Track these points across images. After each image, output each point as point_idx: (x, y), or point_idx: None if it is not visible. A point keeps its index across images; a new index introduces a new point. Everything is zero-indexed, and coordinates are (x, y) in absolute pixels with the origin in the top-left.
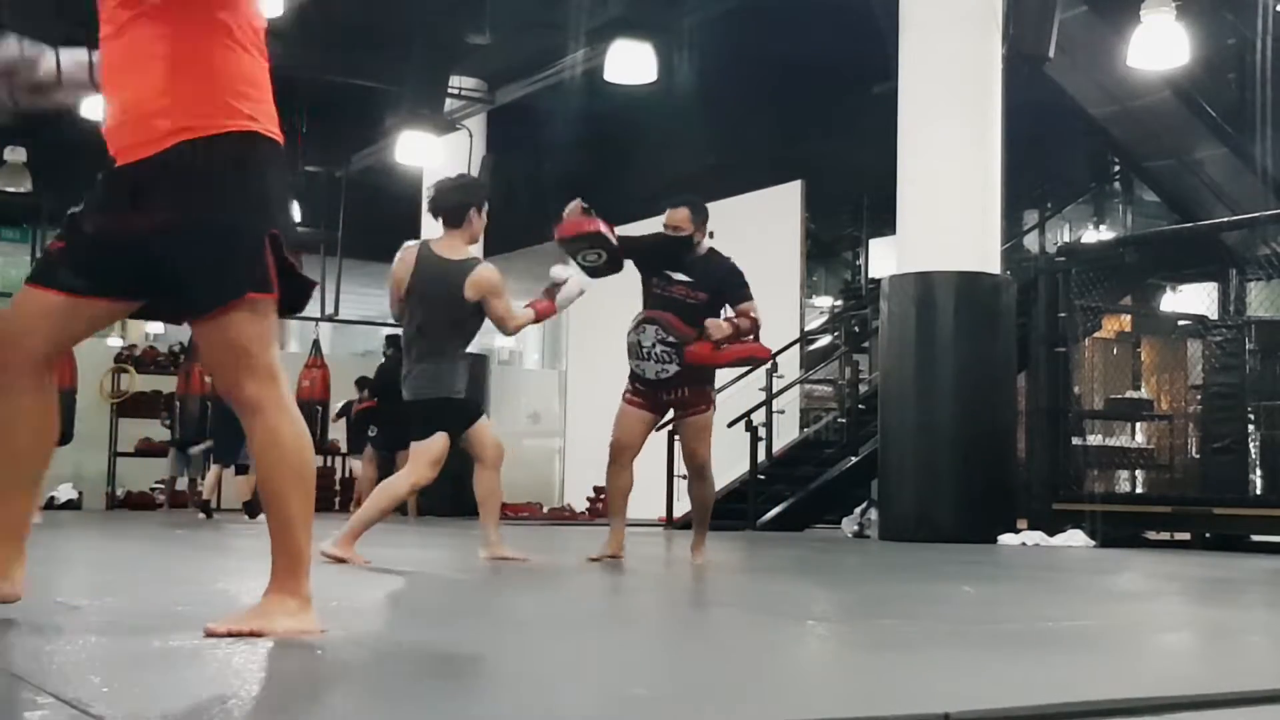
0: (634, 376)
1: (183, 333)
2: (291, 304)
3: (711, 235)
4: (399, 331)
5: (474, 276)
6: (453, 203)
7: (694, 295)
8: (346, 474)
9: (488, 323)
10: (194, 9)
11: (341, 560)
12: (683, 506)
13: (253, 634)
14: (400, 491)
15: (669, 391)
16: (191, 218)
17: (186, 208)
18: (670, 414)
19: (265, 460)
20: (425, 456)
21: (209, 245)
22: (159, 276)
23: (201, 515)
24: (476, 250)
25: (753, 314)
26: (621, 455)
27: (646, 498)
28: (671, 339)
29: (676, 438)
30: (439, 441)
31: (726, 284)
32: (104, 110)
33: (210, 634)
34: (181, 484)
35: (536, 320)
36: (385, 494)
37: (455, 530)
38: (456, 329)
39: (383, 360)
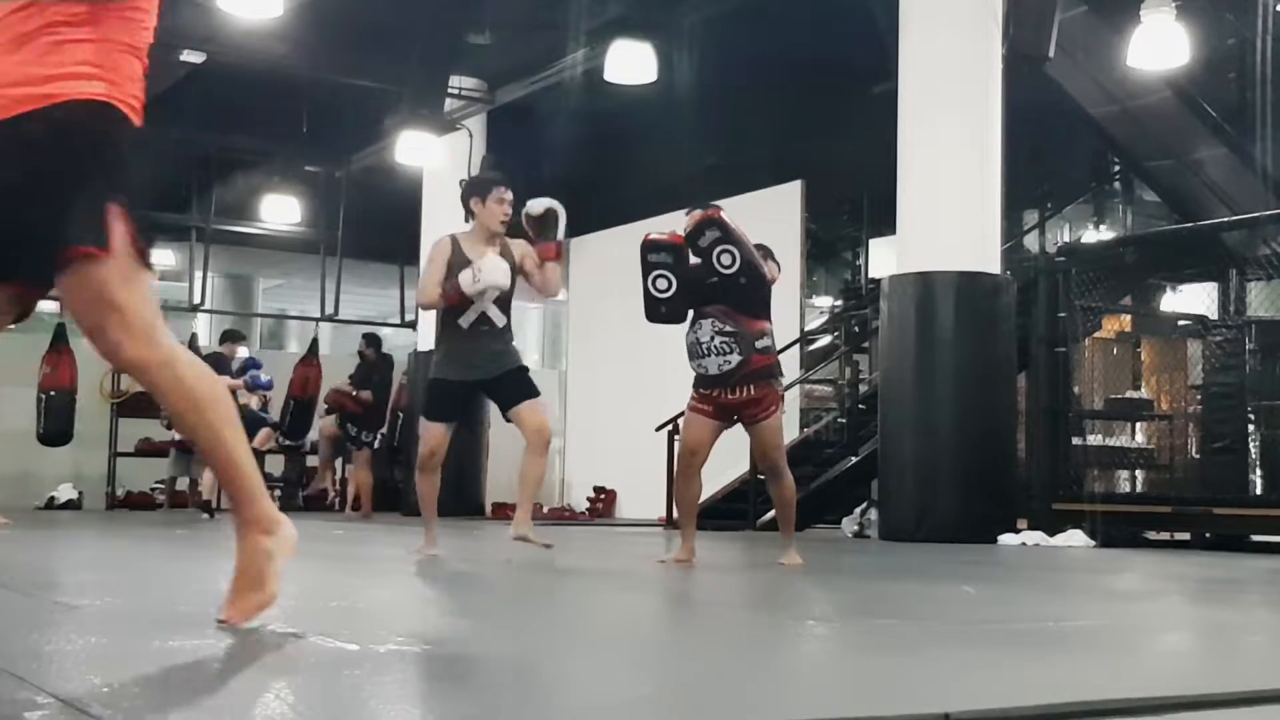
0: (697, 381)
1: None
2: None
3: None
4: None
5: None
6: (462, 201)
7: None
8: (345, 474)
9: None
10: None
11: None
12: None
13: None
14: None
15: (733, 390)
16: (27, 174)
17: (23, 166)
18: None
19: (181, 408)
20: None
21: (47, 199)
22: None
23: (205, 515)
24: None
25: (772, 271)
26: (689, 463)
27: (647, 497)
28: (729, 327)
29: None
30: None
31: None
32: None
33: (226, 622)
34: (182, 484)
35: (446, 299)
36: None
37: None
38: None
39: (361, 359)
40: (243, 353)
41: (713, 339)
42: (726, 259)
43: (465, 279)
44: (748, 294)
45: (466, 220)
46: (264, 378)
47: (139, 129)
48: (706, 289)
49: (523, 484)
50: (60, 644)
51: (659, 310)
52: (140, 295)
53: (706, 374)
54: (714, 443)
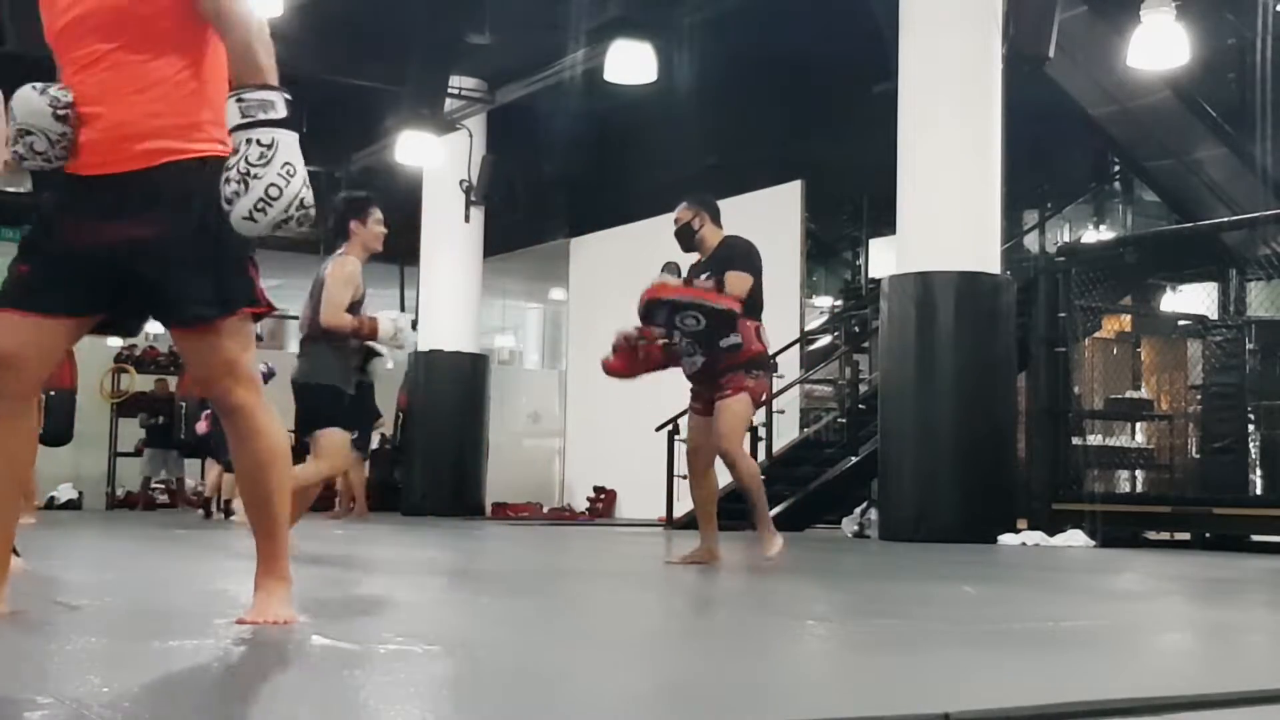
0: (690, 381)
1: None
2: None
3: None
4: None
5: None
6: (337, 219)
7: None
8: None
9: (489, 322)
10: (170, 36)
11: None
12: (683, 507)
13: (277, 623)
14: None
15: (704, 383)
16: (186, 234)
17: (182, 224)
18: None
19: (255, 461)
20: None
21: (203, 260)
22: (134, 288)
23: (200, 514)
24: (475, 248)
25: (736, 286)
26: (691, 463)
27: (647, 498)
28: (692, 325)
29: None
30: None
31: (731, 260)
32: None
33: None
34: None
35: (354, 330)
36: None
37: (455, 530)
38: None
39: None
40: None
41: (684, 340)
42: (691, 321)
43: (385, 330)
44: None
45: (339, 236)
46: (263, 367)
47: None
48: None
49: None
50: (60, 644)
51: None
52: (249, 344)
53: (686, 373)
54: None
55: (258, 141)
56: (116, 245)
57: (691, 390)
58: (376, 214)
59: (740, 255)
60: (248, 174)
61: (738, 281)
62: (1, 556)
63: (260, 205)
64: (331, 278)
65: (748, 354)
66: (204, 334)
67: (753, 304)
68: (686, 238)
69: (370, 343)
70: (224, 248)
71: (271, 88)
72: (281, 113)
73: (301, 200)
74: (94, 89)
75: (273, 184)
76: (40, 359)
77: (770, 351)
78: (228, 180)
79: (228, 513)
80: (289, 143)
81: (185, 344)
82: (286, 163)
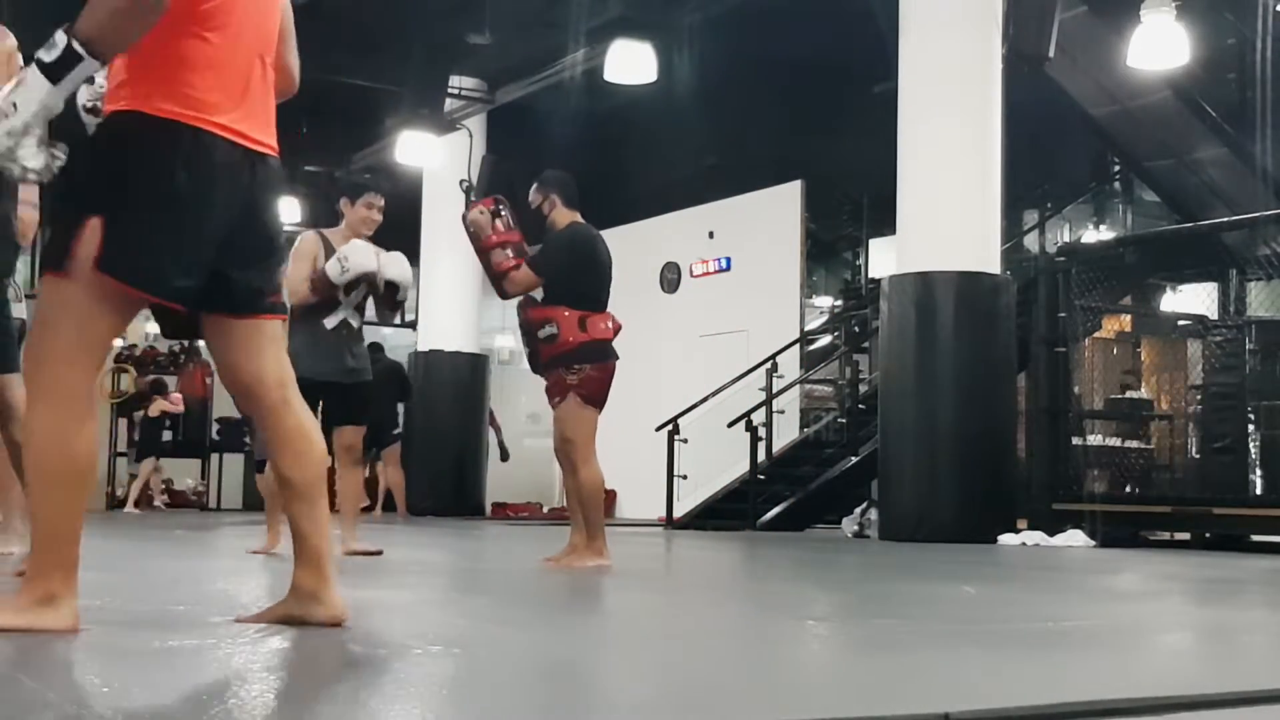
0: None
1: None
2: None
3: (711, 235)
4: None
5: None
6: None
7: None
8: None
9: (489, 322)
10: None
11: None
12: (683, 507)
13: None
14: None
15: (541, 375)
16: (268, 220)
17: (268, 212)
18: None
19: (300, 456)
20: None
21: (271, 246)
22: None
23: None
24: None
25: (521, 279)
26: (559, 460)
27: (647, 497)
28: (519, 319)
29: (678, 437)
30: None
31: (544, 249)
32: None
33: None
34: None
35: (312, 291)
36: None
37: (455, 530)
38: None
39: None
40: None
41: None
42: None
43: (332, 269)
44: (554, 289)
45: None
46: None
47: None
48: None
49: (344, 500)
50: (60, 644)
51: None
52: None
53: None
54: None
55: (17, 78)
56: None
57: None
58: (370, 199)
59: (551, 247)
60: None
61: (518, 281)
62: None
63: None
64: (290, 256)
65: (564, 346)
66: (257, 321)
67: (578, 294)
68: (540, 220)
69: (340, 289)
70: (62, 207)
71: (68, 32)
72: (50, 55)
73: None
74: None
75: None
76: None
77: (607, 339)
78: None
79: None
80: (31, 83)
81: (235, 335)
82: (13, 102)
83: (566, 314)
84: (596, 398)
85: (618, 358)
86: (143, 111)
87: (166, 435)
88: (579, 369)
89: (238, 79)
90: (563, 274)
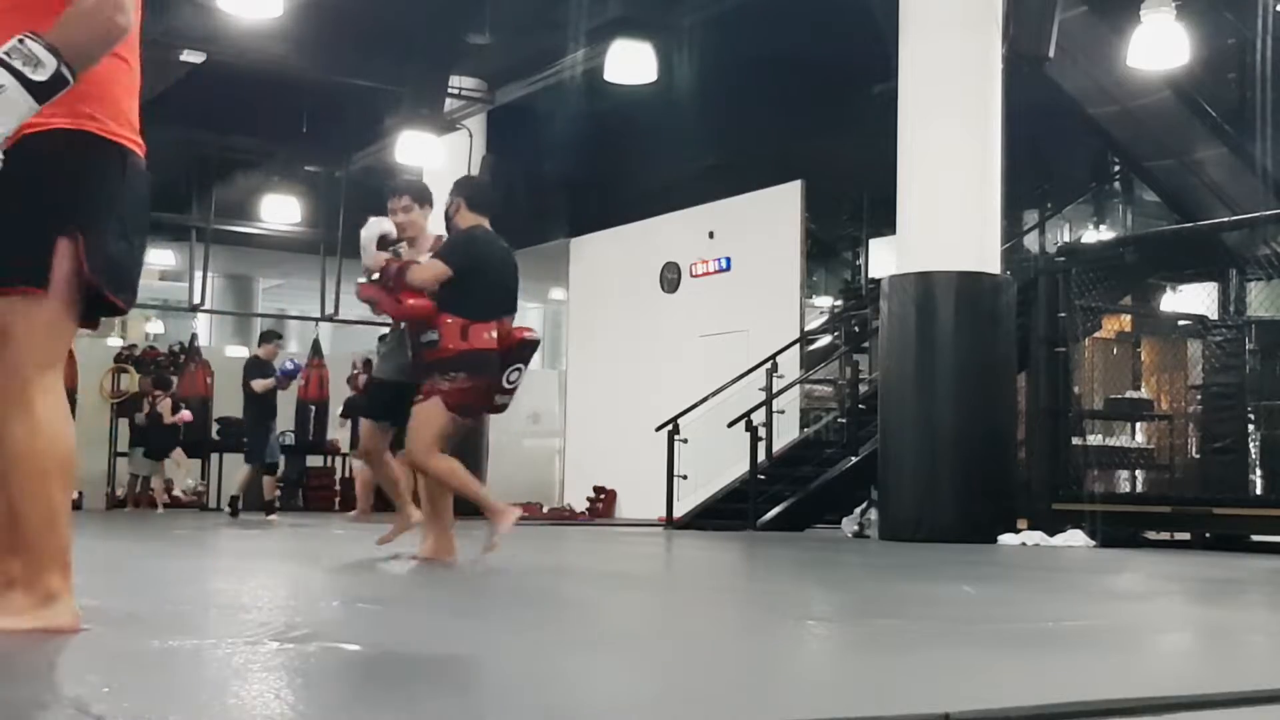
0: None
1: (182, 334)
2: (85, 315)
3: (711, 235)
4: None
5: None
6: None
7: None
8: (347, 473)
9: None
10: (52, 4)
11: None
12: (683, 507)
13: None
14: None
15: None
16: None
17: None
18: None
19: (13, 453)
20: None
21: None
22: None
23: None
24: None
25: (418, 273)
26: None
27: (647, 497)
28: (402, 326)
29: (678, 437)
30: None
31: (442, 249)
32: None
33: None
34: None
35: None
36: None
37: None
38: None
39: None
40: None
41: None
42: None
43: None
44: (436, 297)
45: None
46: (289, 365)
47: (119, 147)
48: None
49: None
50: (60, 644)
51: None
52: (35, 333)
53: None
54: (384, 438)
55: None
56: None
57: None
58: (392, 203)
59: (448, 247)
60: None
61: (420, 269)
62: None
63: None
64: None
65: (444, 353)
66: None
67: (466, 300)
68: (449, 224)
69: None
70: (20, 220)
71: (52, 51)
72: (39, 75)
73: None
74: None
75: None
76: None
77: (490, 350)
78: None
79: (268, 510)
80: (15, 100)
81: None
82: None
83: (449, 321)
84: (464, 408)
85: (508, 370)
86: (92, 132)
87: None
88: (453, 377)
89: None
90: (453, 277)
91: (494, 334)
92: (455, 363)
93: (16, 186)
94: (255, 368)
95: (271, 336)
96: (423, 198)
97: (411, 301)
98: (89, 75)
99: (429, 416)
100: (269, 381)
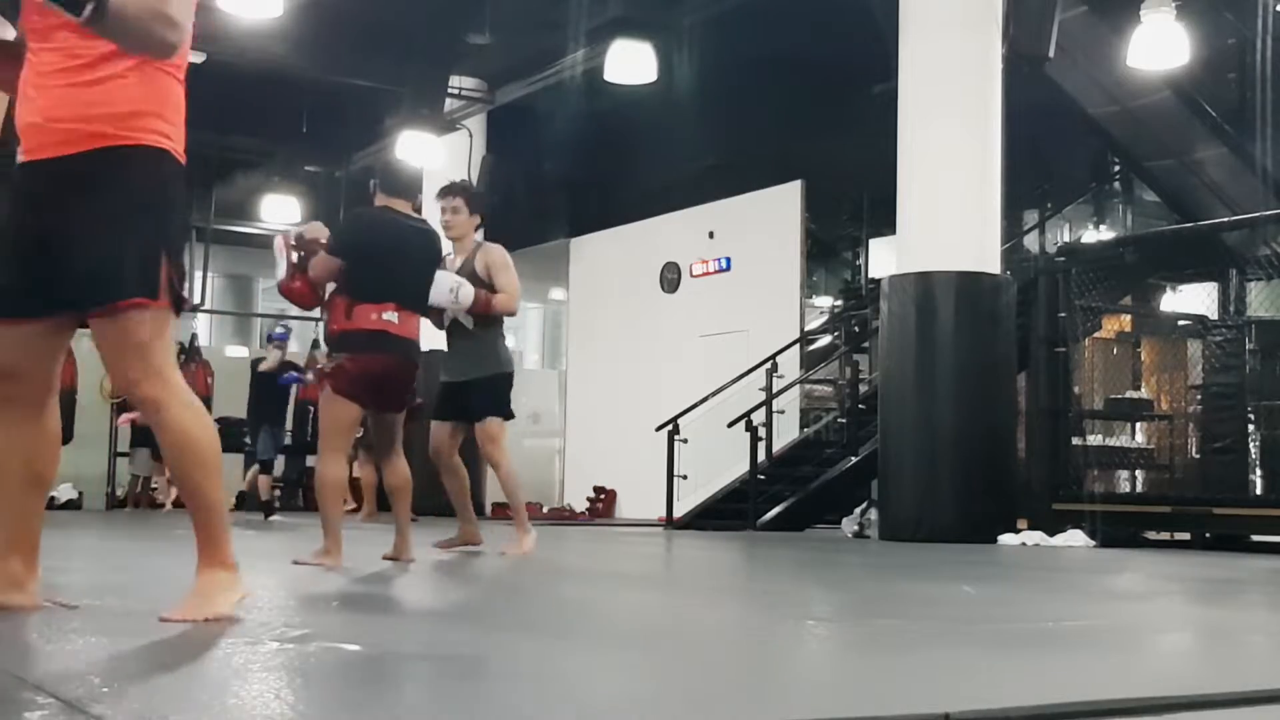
0: None
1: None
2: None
3: (711, 235)
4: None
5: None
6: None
7: None
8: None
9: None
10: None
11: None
12: (683, 507)
13: (206, 620)
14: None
15: None
16: (95, 218)
17: (95, 208)
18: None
19: (172, 450)
20: None
21: (107, 246)
22: (57, 274)
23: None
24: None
25: (318, 266)
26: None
27: (647, 497)
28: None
29: (678, 437)
30: None
31: None
32: (21, 109)
33: (165, 620)
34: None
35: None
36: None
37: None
38: None
39: None
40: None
41: None
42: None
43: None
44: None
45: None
46: (279, 330)
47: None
48: None
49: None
50: (60, 644)
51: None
52: (161, 338)
53: None
54: (453, 441)
55: None
56: (46, 234)
57: None
58: (443, 200)
59: (338, 228)
60: None
61: (319, 262)
62: (30, 552)
63: None
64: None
65: (330, 334)
66: (106, 321)
67: (357, 280)
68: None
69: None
70: (132, 236)
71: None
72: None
73: None
74: (43, 67)
75: None
76: (37, 362)
77: (376, 331)
78: None
79: (268, 513)
80: None
81: (94, 331)
82: None
83: (337, 301)
84: (347, 391)
85: (400, 354)
86: (169, 152)
87: None
88: (335, 358)
89: None
90: (346, 257)
91: (386, 316)
92: (338, 342)
93: (122, 204)
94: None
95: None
96: (474, 203)
97: (296, 284)
98: (165, 97)
99: (324, 407)
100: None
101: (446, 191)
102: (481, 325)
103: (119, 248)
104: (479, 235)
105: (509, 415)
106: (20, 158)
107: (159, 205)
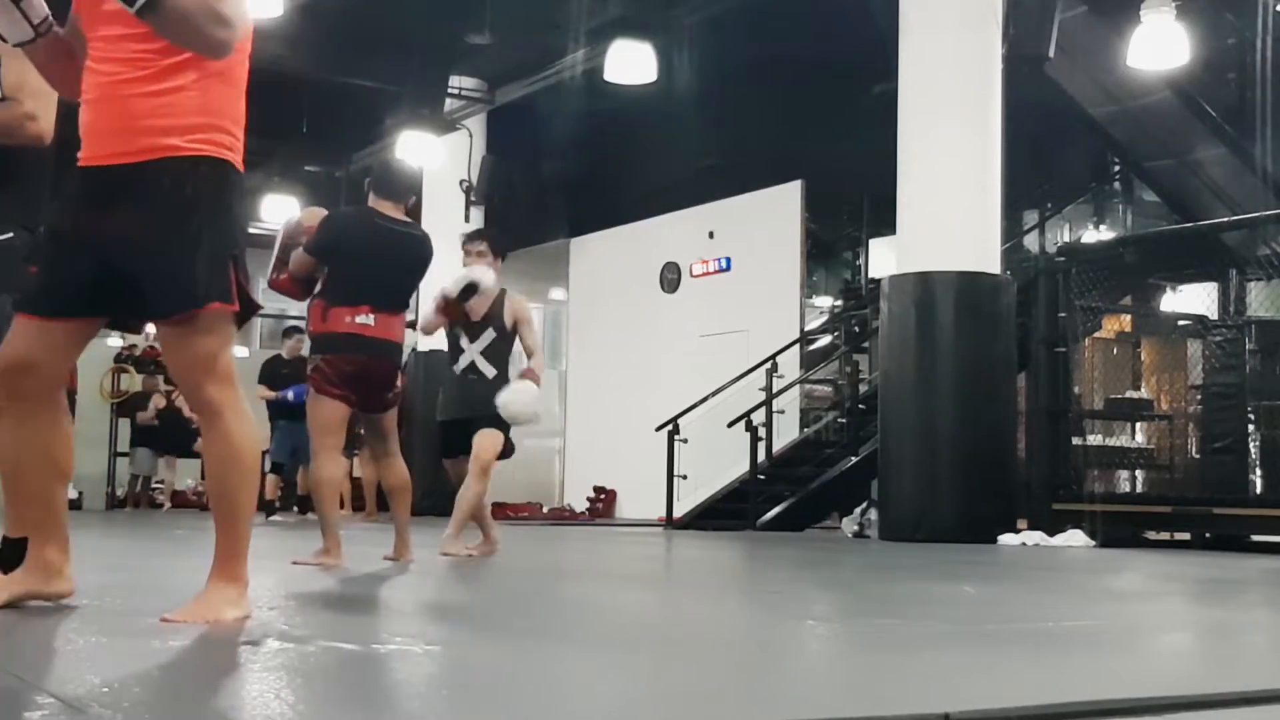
0: None
1: None
2: (240, 319)
3: (711, 235)
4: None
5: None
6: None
7: None
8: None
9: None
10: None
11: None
12: (683, 507)
13: (207, 624)
14: None
15: None
16: (165, 226)
17: (164, 216)
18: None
19: (219, 458)
20: None
21: (180, 254)
22: (124, 282)
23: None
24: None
25: (294, 261)
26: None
27: (647, 497)
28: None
29: (678, 437)
30: None
31: None
32: (85, 115)
33: (166, 621)
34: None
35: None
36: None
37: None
38: None
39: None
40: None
41: None
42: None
43: (446, 284)
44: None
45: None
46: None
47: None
48: None
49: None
50: (60, 644)
51: None
52: (226, 344)
53: None
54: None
55: None
56: (106, 239)
57: None
58: (468, 245)
59: (317, 229)
60: None
61: (297, 257)
62: (64, 541)
63: None
64: None
65: (310, 336)
66: (178, 328)
67: (329, 284)
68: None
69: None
70: (203, 244)
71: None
72: None
73: None
74: (107, 75)
75: None
76: (54, 360)
77: (349, 334)
78: None
79: (269, 512)
80: None
81: (163, 338)
82: None
83: (315, 304)
84: (327, 390)
85: (376, 355)
86: (230, 163)
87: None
88: (314, 359)
89: None
90: (320, 258)
91: (360, 319)
92: (314, 344)
93: (191, 213)
94: (272, 367)
95: (293, 332)
96: (497, 249)
97: (282, 279)
98: (228, 109)
99: (311, 407)
100: (270, 394)
101: (473, 237)
102: (500, 373)
103: (192, 256)
104: (498, 263)
105: (510, 449)
106: (82, 162)
107: (225, 214)
